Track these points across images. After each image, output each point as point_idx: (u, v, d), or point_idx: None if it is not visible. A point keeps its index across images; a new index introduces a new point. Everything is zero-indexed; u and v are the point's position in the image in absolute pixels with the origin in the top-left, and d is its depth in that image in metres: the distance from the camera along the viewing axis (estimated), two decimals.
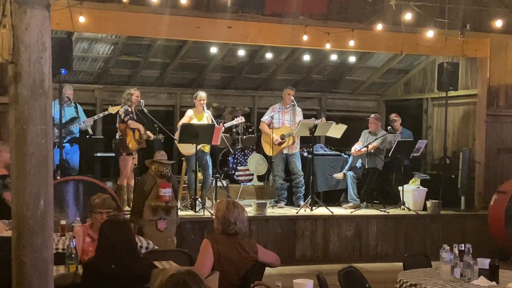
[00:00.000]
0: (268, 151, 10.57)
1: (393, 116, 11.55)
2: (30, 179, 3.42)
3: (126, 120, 9.43)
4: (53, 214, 3.55)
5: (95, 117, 10.19)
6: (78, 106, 10.25)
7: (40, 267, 3.43)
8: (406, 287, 5.00)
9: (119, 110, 9.58)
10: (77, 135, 9.99)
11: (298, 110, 10.68)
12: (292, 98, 10.58)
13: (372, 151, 10.65)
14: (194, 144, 9.24)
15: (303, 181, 10.50)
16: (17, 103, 3.41)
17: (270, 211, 9.91)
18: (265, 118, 10.63)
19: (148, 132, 9.68)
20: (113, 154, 9.96)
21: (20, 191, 3.42)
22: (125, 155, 9.46)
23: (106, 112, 9.96)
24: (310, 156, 10.61)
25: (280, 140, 10.36)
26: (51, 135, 3.53)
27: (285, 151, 10.51)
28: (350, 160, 10.99)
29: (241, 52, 11.71)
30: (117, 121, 9.59)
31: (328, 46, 9.64)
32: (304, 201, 10.24)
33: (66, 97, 9.87)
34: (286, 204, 10.53)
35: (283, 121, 10.51)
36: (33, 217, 3.41)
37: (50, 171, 3.53)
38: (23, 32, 3.38)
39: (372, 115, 11.15)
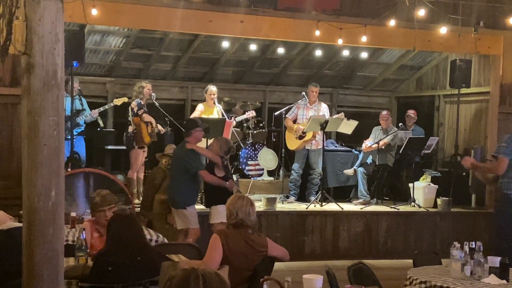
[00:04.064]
0: (291, 145, 10.62)
1: (410, 112, 11.47)
2: (42, 170, 3.41)
3: (140, 113, 9.40)
4: (64, 205, 3.55)
5: (101, 108, 9.96)
6: (83, 98, 10.16)
7: (51, 258, 3.43)
8: (416, 284, 4.97)
9: (131, 104, 9.55)
10: (83, 127, 9.96)
11: (324, 106, 10.70)
12: (304, 93, 10.60)
13: (383, 147, 10.62)
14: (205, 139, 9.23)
15: (318, 179, 10.48)
16: (30, 94, 3.40)
17: (280, 206, 9.90)
18: (289, 114, 10.69)
19: (159, 126, 9.67)
20: (124, 147, 9.95)
21: (32, 182, 3.41)
22: (137, 148, 9.44)
23: (112, 104, 9.95)
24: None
25: (301, 133, 10.37)
26: (63, 126, 3.53)
27: (307, 147, 10.52)
28: (360, 156, 10.97)
29: (253, 47, 11.69)
30: (130, 114, 9.55)
31: (340, 41, 9.62)
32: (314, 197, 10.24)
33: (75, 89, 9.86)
34: (296, 200, 10.52)
35: (307, 117, 10.47)
36: (44, 208, 3.40)
37: (62, 163, 3.52)
38: (37, 23, 3.37)
39: (384, 112, 11.12)
